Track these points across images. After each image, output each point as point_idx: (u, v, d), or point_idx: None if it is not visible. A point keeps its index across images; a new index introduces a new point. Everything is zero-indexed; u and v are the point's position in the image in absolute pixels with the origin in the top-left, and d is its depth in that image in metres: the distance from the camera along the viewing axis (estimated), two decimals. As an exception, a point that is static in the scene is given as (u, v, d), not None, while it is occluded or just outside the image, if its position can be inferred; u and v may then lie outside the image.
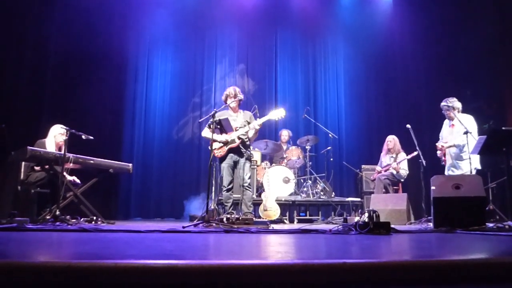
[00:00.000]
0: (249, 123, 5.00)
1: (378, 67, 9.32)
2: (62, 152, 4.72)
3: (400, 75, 9.24)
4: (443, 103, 5.53)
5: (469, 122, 5.34)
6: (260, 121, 4.95)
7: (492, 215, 5.62)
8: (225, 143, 4.91)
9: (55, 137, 5.12)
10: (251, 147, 5.05)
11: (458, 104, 5.45)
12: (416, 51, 9.03)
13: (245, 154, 4.97)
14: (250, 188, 4.98)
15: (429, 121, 8.30)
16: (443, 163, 5.69)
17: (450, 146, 5.52)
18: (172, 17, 8.94)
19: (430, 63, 8.78)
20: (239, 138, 4.89)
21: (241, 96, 5.07)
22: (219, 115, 4.91)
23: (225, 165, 4.98)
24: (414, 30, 9.05)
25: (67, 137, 4.67)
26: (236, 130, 4.94)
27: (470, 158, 5.13)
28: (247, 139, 5.02)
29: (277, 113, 5.01)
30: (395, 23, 9.37)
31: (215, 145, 4.92)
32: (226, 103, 5.06)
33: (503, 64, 7.77)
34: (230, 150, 4.93)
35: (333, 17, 9.66)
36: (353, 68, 9.53)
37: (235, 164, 4.99)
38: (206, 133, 5.09)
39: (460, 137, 5.30)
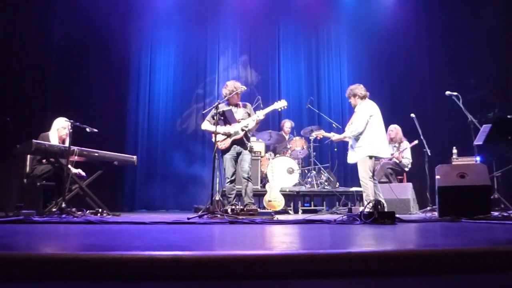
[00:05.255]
0: (249, 115, 4.99)
1: (382, 57, 9.23)
2: (65, 144, 4.74)
3: (404, 64, 9.16)
4: (347, 91, 5.14)
5: (365, 109, 4.92)
6: (264, 112, 4.93)
7: (497, 203, 5.62)
8: (229, 135, 4.89)
9: (58, 130, 5.11)
10: (255, 138, 5.02)
11: (360, 91, 4.99)
12: (420, 40, 8.94)
13: (247, 146, 4.96)
14: (251, 179, 4.96)
15: (434, 110, 8.27)
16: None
17: (341, 138, 5.17)
18: (175, 9, 8.88)
19: (434, 52, 8.69)
20: (242, 129, 4.88)
21: (242, 89, 5.01)
22: (223, 107, 4.90)
23: (228, 156, 4.96)
24: (418, 20, 8.96)
25: (70, 130, 4.67)
26: (239, 122, 4.93)
27: (361, 147, 4.85)
28: (249, 131, 5.03)
29: (279, 104, 5.00)
30: (399, 13, 9.25)
31: (219, 137, 4.92)
32: (225, 98, 5.02)
33: (508, 53, 7.68)
34: (234, 142, 4.92)
35: (336, 7, 9.56)
36: (357, 58, 9.45)
37: (238, 155, 4.98)
38: (205, 125, 5.06)
39: (353, 125, 4.92)
